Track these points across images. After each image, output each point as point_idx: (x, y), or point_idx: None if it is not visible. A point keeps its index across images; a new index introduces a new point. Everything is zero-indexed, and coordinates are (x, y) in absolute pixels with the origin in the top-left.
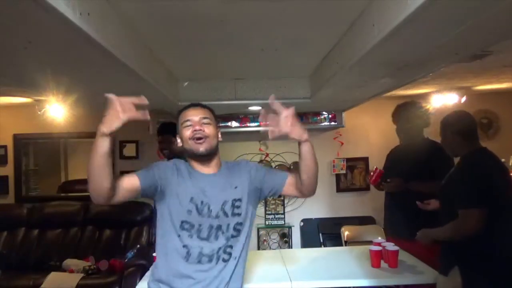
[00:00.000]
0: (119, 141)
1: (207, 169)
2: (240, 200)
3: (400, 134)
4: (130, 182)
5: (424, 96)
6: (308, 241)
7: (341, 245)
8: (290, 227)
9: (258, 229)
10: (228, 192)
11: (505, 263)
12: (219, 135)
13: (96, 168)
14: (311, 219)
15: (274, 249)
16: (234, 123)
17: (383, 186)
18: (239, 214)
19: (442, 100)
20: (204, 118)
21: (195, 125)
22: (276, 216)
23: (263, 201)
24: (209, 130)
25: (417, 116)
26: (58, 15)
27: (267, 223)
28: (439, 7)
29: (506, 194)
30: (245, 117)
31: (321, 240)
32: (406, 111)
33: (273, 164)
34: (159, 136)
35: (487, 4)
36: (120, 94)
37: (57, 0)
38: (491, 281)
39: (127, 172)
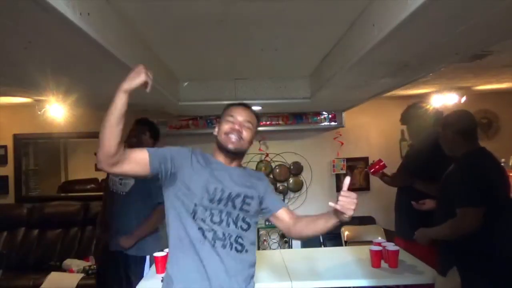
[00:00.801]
0: None
1: (228, 164)
2: (252, 198)
3: (410, 134)
4: (139, 155)
5: (424, 96)
6: (308, 241)
7: (341, 245)
8: None
9: (258, 229)
10: (243, 188)
11: (503, 263)
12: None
13: (108, 126)
14: None
15: (274, 249)
16: None
17: (387, 179)
18: (247, 211)
19: (442, 100)
20: (248, 122)
21: (236, 123)
22: None
23: None
24: (247, 134)
25: (417, 116)
26: (58, 15)
27: (267, 223)
28: (439, 7)
29: (504, 194)
30: None
31: (321, 240)
32: (411, 112)
33: (273, 164)
34: (134, 125)
35: (487, 4)
36: None
37: (57, 0)
38: (490, 281)
39: None
